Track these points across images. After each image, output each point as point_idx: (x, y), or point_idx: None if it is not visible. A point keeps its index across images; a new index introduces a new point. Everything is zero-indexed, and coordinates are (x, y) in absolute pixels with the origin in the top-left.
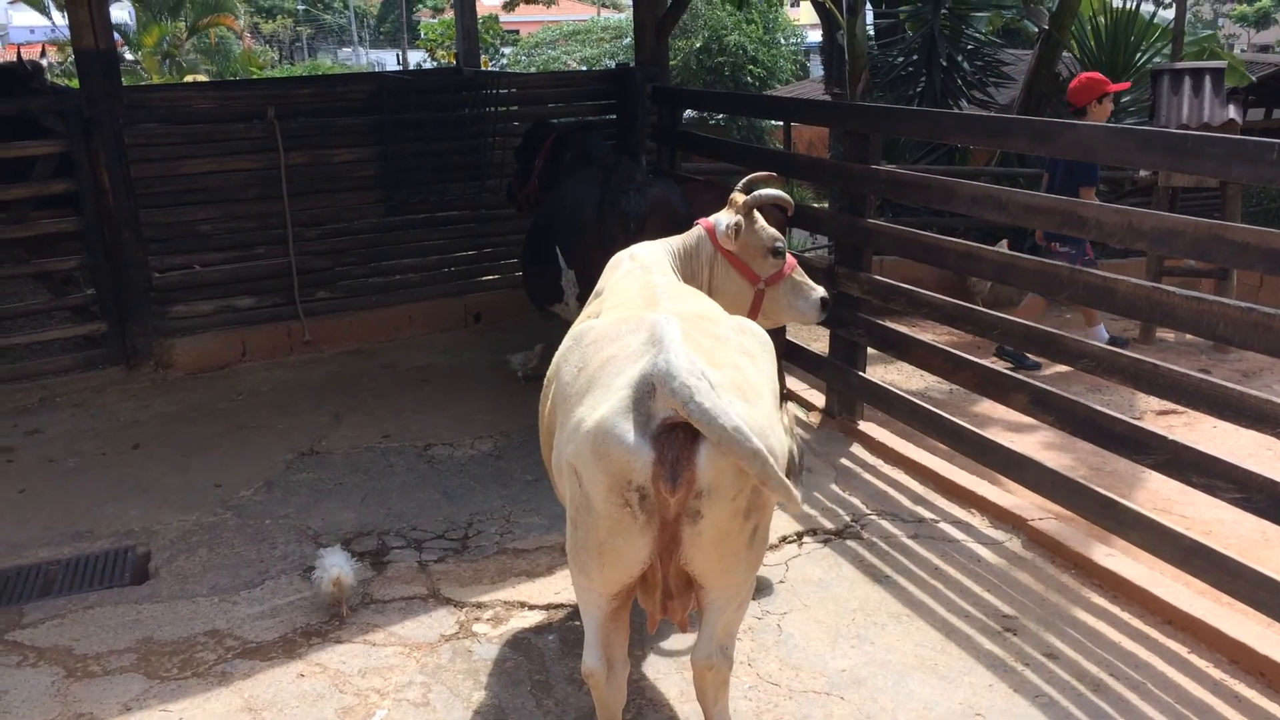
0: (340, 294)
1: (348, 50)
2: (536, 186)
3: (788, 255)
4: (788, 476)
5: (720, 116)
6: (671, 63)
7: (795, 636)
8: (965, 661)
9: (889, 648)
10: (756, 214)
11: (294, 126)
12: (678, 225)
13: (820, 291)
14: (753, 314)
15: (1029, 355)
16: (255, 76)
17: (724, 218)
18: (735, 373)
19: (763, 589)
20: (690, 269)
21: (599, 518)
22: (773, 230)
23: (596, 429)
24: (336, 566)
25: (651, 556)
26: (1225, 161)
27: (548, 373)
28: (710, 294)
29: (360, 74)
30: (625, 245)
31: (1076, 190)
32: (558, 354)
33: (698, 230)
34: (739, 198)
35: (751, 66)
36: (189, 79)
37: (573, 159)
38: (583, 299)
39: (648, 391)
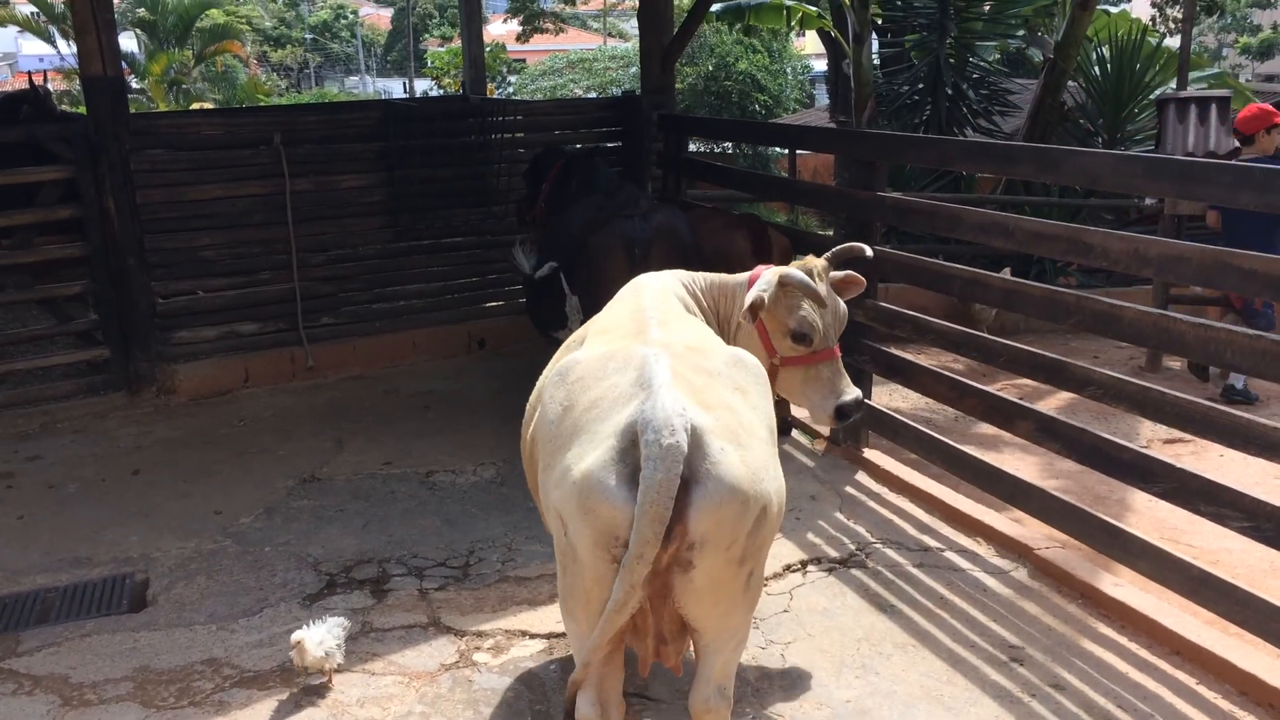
0: (344, 320)
1: (355, 78)
2: (543, 210)
3: (826, 347)
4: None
5: (726, 145)
6: (678, 86)
7: (799, 667)
8: (971, 692)
9: (894, 678)
10: (801, 290)
11: (300, 153)
12: (683, 252)
13: (845, 396)
14: (770, 380)
15: (1251, 390)
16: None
17: (767, 281)
18: (728, 414)
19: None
20: (723, 308)
21: (585, 568)
22: (805, 315)
23: (582, 482)
24: (302, 634)
25: (641, 604)
26: (1233, 189)
27: (530, 399)
28: (732, 341)
29: (367, 100)
30: (631, 273)
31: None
32: (541, 384)
33: (745, 276)
34: (816, 264)
35: (758, 94)
36: (195, 107)
37: (579, 185)
38: (591, 314)
39: (633, 441)
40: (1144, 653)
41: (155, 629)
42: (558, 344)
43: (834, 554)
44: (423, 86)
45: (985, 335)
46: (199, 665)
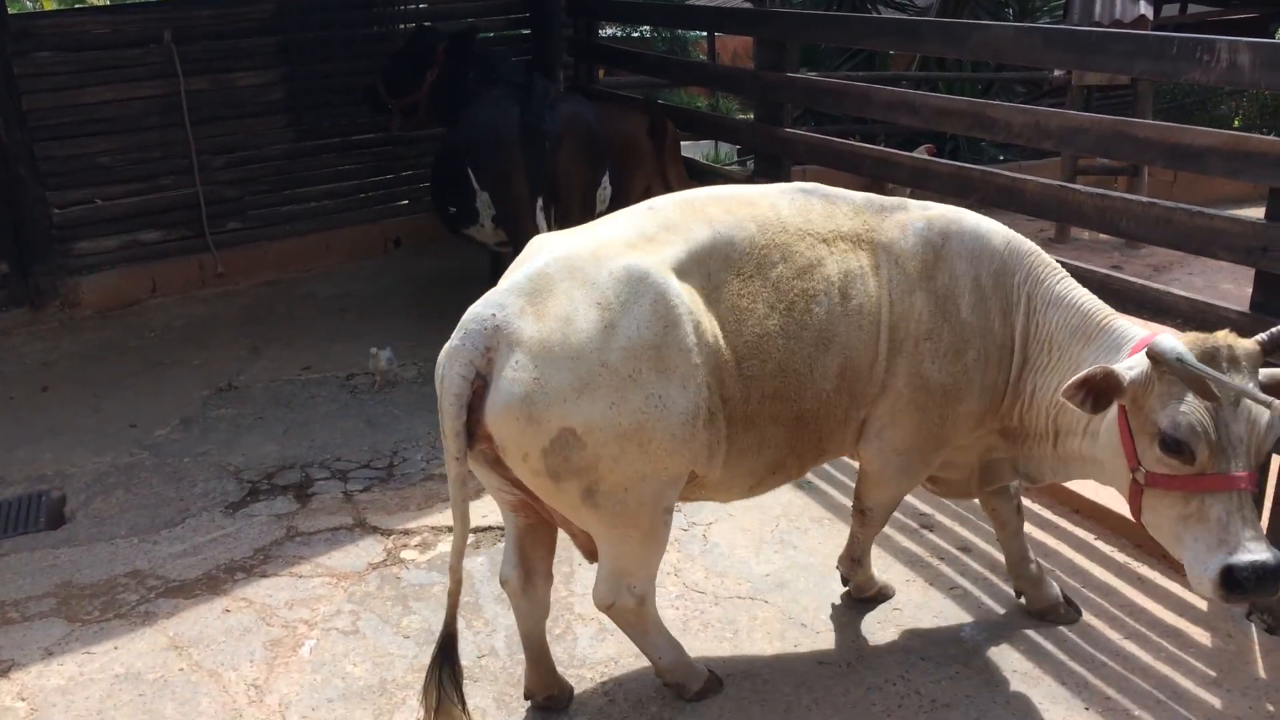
0: (253, 224)
1: None
2: (427, 98)
3: (1219, 472)
4: None
5: (641, 30)
6: None
7: (721, 545)
8: (884, 560)
9: (811, 551)
10: (1179, 375)
11: (194, 50)
12: (591, 144)
13: (1240, 556)
14: (1131, 506)
15: None
16: None
17: (1165, 347)
18: (560, 328)
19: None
20: (1049, 350)
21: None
22: (1185, 414)
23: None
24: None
25: (509, 492)
26: (1129, 58)
27: None
28: (1051, 422)
29: None
30: (544, 167)
31: None
32: None
33: (1125, 329)
34: (1236, 344)
35: None
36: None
37: (478, 78)
38: (499, 220)
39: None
40: (1046, 513)
41: (75, 545)
42: (470, 241)
43: None
44: None
45: None
46: (122, 578)
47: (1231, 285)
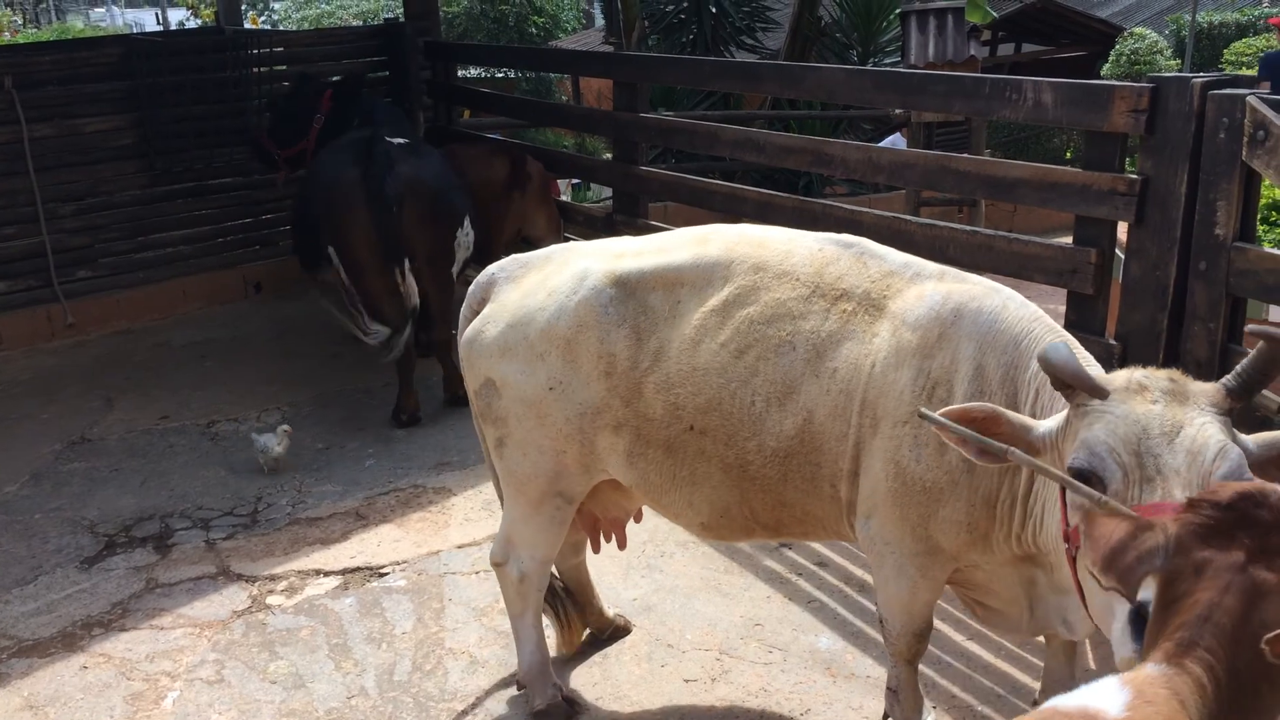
0: (104, 271)
1: (101, 10)
2: (314, 146)
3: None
4: None
5: (506, 70)
6: (454, 10)
7: (590, 573)
8: (746, 579)
9: (677, 574)
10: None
11: (37, 96)
12: (436, 206)
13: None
14: (1082, 600)
15: None
16: None
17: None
18: (520, 301)
19: None
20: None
21: None
22: (1105, 436)
23: None
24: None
25: None
26: (946, 98)
27: None
28: (1026, 520)
29: (105, 37)
30: (387, 228)
31: None
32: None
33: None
34: (1161, 381)
35: (535, 17)
36: None
37: (360, 121)
38: (348, 269)
39: None
40: None
41: None
42: (325, 286)
43: None
44: (178, 17)
45: None
46: None
47: (1055, 305)
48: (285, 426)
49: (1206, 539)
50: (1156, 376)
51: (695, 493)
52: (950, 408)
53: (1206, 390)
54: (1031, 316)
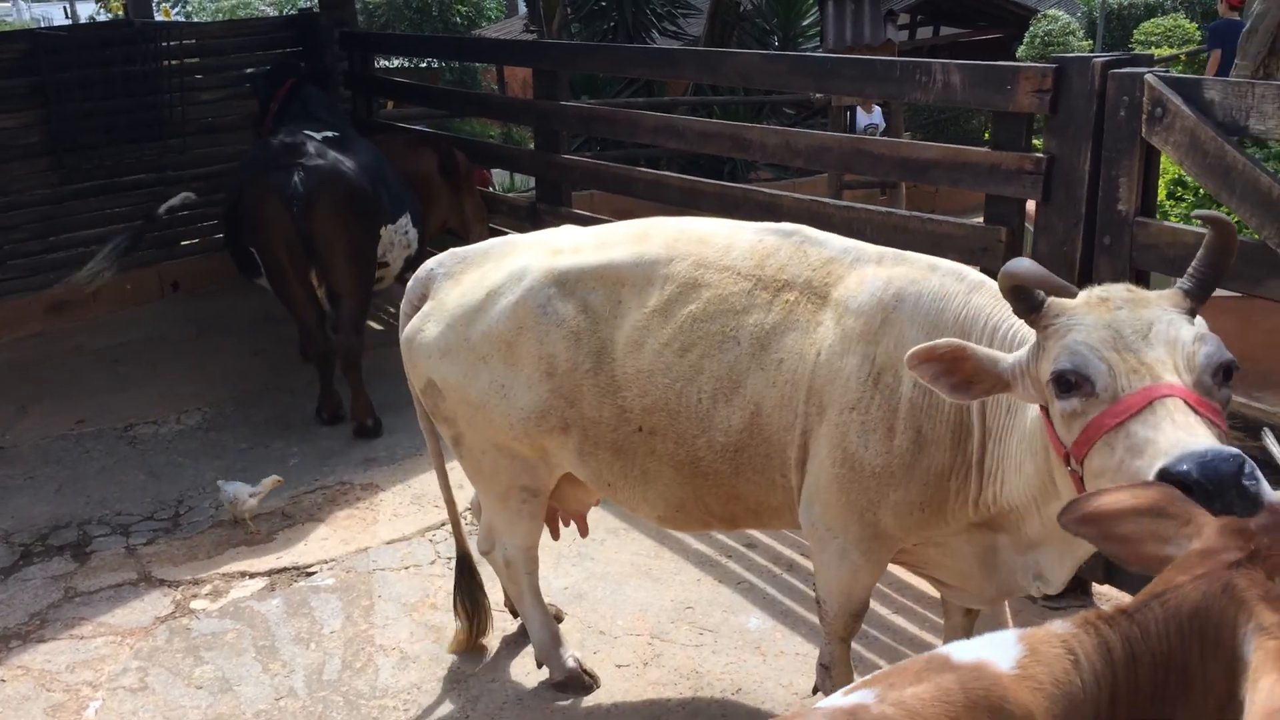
0: (14, 274)
1: (7, 4)
2: (270, 132)
3: (1139, 390)
4: None
5: (431, 60)
6: (376, 0)
7: None
8: (676, 563)
9: (608, 561)
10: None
11: None
12: (354, 202)
13: (1170, 456)
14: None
15: None
16: None
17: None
18: (462, 300)
19: None
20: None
21: None
22: (1083, 336)
23: None
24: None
25: None
26: (859, 81)
27: None
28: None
29: (13, 32)
30: (295, 229)
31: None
32: None
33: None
34: (1125, 295)
35: (459, 5)
36: None
37: (296, 112)
38: (270, 272)
39: None
40: None
41: None
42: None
43: None
44: (88, 11)
45: None
46: None
47: None
48: (276, 477)
49: (1231, 535)
50: (1114, 288)
51: (649, 490)
52: (915, 348)
53: (1164, 293)
54: (969, 288)
